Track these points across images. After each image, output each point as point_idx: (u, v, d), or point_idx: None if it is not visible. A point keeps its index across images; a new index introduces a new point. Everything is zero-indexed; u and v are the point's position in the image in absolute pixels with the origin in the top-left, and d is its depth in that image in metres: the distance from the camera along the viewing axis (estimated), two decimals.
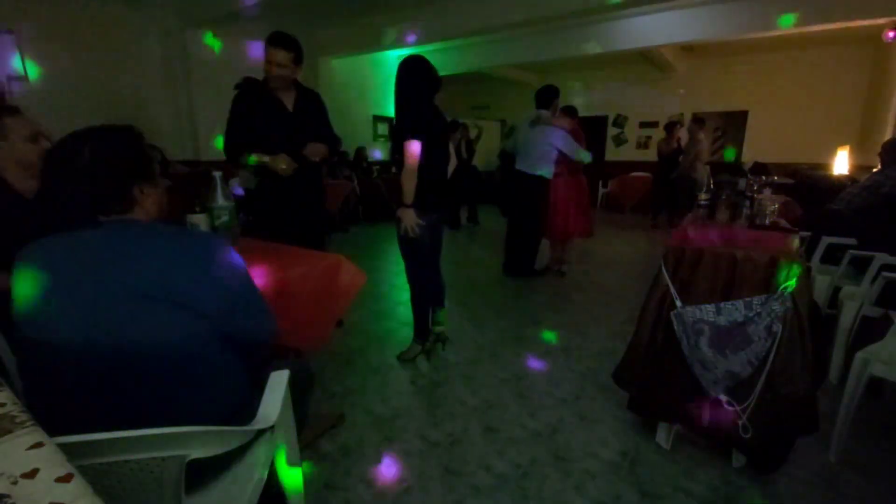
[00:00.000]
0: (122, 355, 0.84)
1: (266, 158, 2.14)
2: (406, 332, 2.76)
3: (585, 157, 3.75)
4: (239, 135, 2.20)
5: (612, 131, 9.23)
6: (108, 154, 0.90)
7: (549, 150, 3.69)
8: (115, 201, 0.92)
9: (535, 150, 3.73)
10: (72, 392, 0.87)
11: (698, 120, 6.46)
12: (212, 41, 4.42)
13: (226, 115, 2.23)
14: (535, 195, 3.84)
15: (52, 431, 0.58)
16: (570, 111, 4.11)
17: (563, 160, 3.77)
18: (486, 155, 9.21)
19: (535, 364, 2.47)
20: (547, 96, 3.75)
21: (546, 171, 3.75)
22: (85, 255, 0.85)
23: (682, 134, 6.77)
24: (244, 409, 1.02)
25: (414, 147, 2.12)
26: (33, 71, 4.15)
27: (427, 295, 2.45)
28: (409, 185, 2.16)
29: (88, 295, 0.83)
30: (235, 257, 0.99)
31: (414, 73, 2.20)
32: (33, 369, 0.90)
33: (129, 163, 0.94)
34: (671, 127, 6.77)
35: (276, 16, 5.72)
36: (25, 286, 0.86)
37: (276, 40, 2.11)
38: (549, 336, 2.85)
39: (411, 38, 5.76)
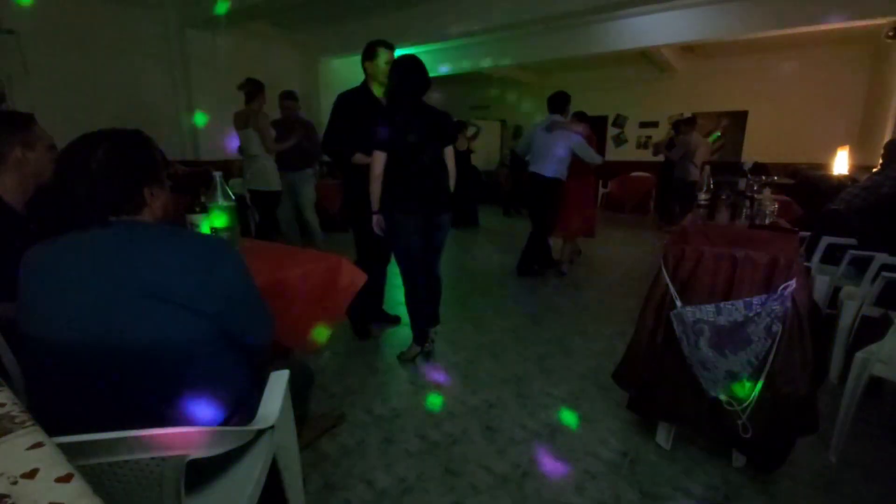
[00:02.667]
0: (123, 355, 0.84)
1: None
2: (406, 332, 2.76)
3: (598, 159, 3.94)
4: (349, 138, 2.38)
5: (612, 131, 9.22)
6: (121, 156, 0.92)
7: (565, 153, 3.81)
8: (125, 202, 0.93)
9: (552, 154, 3.82)
10: (73, 391, 0.87)
11: (689, 120, 6.43)
12: None
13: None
14: (551, 196, 3.95)
15: (52, 431, 0.58)
16: (582, 116, 4.31)
17: (574, 162, 3.90)
18: (485, 155, 9.20)
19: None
20: (560, 102, 3.88)
21: (562, 173, 3.87)
22: (92, 254, 0.86)
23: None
24: (244, 408, 1.02)
25: (377, 158, 2.15)
26: (33, 71, 4.15)
27: (420, 296, 2.43)
28: (374, 192, 2.22)
29: (92, 294, 0.83)
30: (238, 259, 0.99)
31: (393, 76, 2.17)
32: (35, 367, 0.91)
33: (141, 165, 0.95)
34: (678, 125, 6.69)
35: (277, 16, 5.73)
36: (30, 284, 0.86)
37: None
38: (550, 336, 2.85)
39: (411, 38, 5.75)
